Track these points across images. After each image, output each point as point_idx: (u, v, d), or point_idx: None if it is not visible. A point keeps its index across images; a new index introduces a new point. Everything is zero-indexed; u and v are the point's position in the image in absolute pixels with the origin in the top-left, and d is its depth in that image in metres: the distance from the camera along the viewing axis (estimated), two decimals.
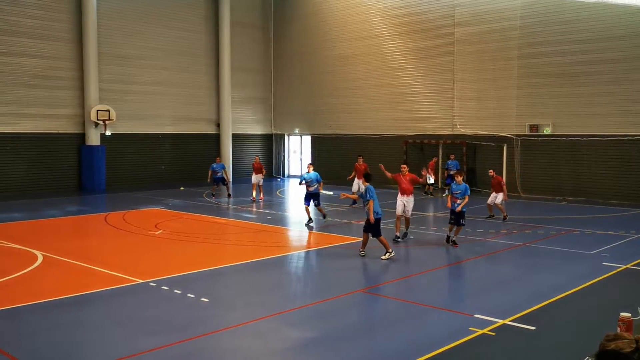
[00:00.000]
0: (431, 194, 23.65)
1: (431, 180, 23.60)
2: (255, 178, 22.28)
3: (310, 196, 16.47)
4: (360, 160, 21.09)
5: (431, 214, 19.14)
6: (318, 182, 16.51)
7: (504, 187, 17.63)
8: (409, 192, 13.91)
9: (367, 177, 12.51)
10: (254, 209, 20.02)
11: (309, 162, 22.73)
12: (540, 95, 23.22)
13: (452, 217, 13.25)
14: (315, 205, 16.52)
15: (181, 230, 15.55)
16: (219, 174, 22.45)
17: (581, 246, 13.29)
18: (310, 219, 16.37)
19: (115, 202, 21.80)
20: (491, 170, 18.17)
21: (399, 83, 27.53)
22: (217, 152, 30.51)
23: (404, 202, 13.85)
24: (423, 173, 21.79)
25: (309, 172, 16.82)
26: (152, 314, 8.50)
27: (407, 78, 27.27)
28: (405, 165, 14.71)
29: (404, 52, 27.27)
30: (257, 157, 23.69)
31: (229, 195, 22.69)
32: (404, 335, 7.63)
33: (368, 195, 11.98)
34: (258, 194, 22.20)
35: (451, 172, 23.54)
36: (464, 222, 13.32)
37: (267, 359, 6.94)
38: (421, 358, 6.68)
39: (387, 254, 11.85)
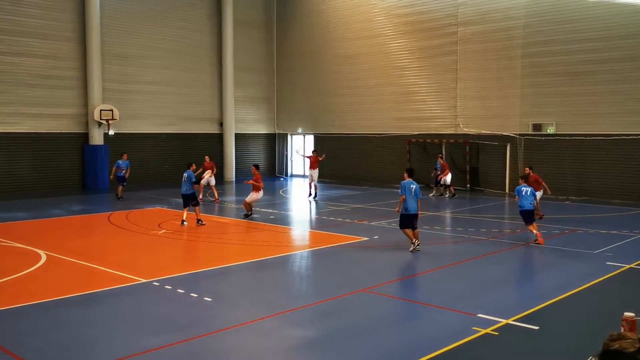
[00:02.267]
0: (451, 195, 22.79)
1: (447, 181, 22.91)
2: (206, 179, 21.76)
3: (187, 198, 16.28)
4: (314, 154, 23.58)
5: (437, 213, 19.10)
6: (191, 181, 16.33)
7: (543, 183, 16.93)
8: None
9: (409, 173, 12.97)
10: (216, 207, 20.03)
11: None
12: (544, 94, 23.17)
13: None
14: (193, 205, 16.23)
15: (184, 230, 15.56)
16: (123, 172, 21.67)
17: (584, 245, 13.27)
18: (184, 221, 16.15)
19: (119, 202, 21.83)
20: (527, 168, 17.48)
21: (402, 82, 27.51)
22: (220, 151, 30.52)
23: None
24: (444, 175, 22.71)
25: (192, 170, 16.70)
26: (156, 313, 8.52)
27: (410, 77, 27.25)
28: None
29: (408, 52, 27.25)
30: (207, 157, 22.85)
31: (120, 197, 21.59)
32: (407, 335, 7.63)
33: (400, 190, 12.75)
34: (209, 195, 21.86)
35: (438, 172, 23.42)
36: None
37: (270, 358, 6.95)
38: (424, 357, 6.68)
39: (412, 245, 12.60)
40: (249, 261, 11.90)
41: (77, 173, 25.87)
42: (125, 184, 21.91)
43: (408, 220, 12.59)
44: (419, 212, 12.66)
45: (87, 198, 23.42)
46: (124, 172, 21.78)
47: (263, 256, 12.42)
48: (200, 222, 15.90)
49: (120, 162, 21.99)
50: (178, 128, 29.13)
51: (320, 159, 23.48)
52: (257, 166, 18.07)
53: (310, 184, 22.82)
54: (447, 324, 8.01)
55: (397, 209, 12.84)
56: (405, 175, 13.01)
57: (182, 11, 29.08)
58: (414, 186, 12.59)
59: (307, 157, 24.06)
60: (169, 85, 28.63)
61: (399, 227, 12.93)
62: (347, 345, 7.22)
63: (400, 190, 12.76)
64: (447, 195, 22.98)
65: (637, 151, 21.12)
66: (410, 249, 12.59)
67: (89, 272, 10.97)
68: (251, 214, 17.47)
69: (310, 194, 22.74)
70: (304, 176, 32.18)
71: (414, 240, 12.59)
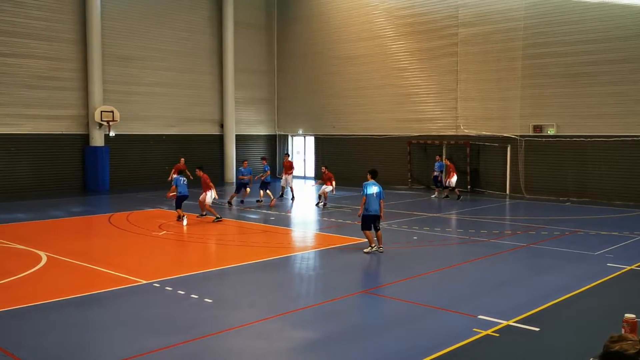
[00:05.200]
0: (457, 197, 22.42)
1: (452, 184, 22.55)
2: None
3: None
4: (287, 157, 24.22)
5: (438, 215, 19.10)
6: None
7: (333, 181, 20.42)
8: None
9: (372, 174, 12.95)
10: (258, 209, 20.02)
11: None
12: (545, 95, 23.17)
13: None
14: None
15: (185, 231, 15.56)
16: (245, 179, 20.80)
17: (585, 247, 13.26)
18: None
19: (119, 203, 21.84)
20: (323, 167, 20.05)
21: (402, 84, 27.51)
22: (221, 152, 30.51)
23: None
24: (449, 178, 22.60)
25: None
26: (156, 314, 8.52)
27: (411, 79, 27.26)
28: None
29: (408, 53, 27.26)
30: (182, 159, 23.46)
31: (241, 201, 21.27)
32: (408, 336, 7.63)
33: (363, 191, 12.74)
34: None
35: (435, 174, 23.56)
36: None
37: (271, 359, 6.95)
38: (425, 359, 6.67)
39: (369, 247, 12.55)
40: (250, 262, 11.89)
41: (78, 174, 25.87)
42: (245, 189, 20.99)
43: (369, 221, 12.57)
44: (382, 214, 12.62)
45: (87, 199, 23.43)
46: (246, 178, 20.84)
47: (264, 257, 12.41)
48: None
49: (242, 169, 21.25)
50: (179, 129, 29.14)
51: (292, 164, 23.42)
52: (201, 167, 18.02)
53: (283, 187, 23.14)
54: (447, 325, 8.01)
55: (359, 212, 12.78)
56: (369, 176, 13.01)
57: (183, 13, 29.10)
58: (377, 187, 12.61)
59: (285, 162, 23.71)
60: (170, 86, 28.65)
61: (360, 229, 12.86)
62: (348, 347, 7.21)
63: (362, 192, 12.69)
64: (457, 199, 22.30)
65: (638, 153, 21.11)
66: (365, 250, 12.52)
67: (89, 274, 10.96)
68: (205, 214, 17.51)
69: (282, 195, 23.09)
70: (304, 177, 32.22)
71: (373, 244, 12.53)
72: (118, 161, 26.52)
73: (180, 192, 16.86)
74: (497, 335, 7.46)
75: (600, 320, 8.29)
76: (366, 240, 12.73)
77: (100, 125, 25.59)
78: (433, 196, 23.36)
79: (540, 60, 23.16)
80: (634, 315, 6.13)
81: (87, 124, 25.83)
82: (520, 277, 10.97)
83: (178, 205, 16.99)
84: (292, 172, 23.22)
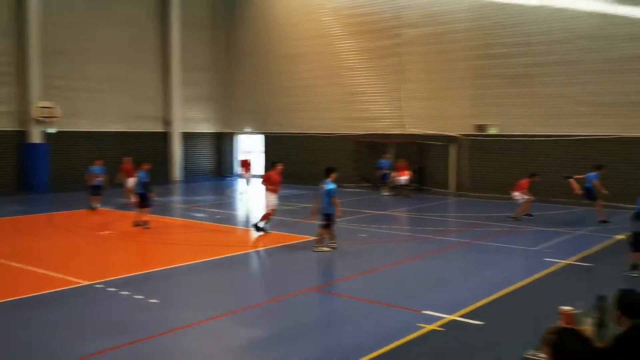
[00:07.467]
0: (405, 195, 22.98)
1: (401, 181, 23.01)
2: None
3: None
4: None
5: (385, 212, 19.33)
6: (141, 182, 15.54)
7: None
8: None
9: (325, 173, 12.96)
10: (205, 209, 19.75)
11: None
12: (488, 96, 23.76)
13: None
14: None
15: (128, 231, 15.18)
16: (99, 180, 19.04)
17: (525, 242, 13.73)
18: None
19: (60, 202, 21.09)
20: None
21: (349, 82, 27.71)
22: (165, 150, 29.93)
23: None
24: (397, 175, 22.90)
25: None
26: (99, 316, 8.28)
27: (357, 78, 27.48)
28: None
29: (355, 52, 27.48)
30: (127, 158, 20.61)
31: (94, 208, 18.76)
32: (354, 333, 7.69)
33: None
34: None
35: (384, 171, 23.88)
36: None
37: (217, 358, 6.87)
38: (370, 355, 6.75)
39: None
40: (196, 262, 11.72)
41: (13, 173, 24.78)
42: (100, 193, 19.00)
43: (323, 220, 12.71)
44: (337, 212, 12.60)
45: (24, 199, 22.52)
46: (100, 179, 18.94)
47: (210, 256, 12.26)
48: (140, 224, 15.34)
49: (93, 168, 19.09)
50: (123, 126, 28.38)
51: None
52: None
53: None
54: (393, 321, 8.12)
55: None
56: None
57: (126, 8, 28.21)
58: (325, 185, 12.70)
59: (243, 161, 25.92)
60: (113, 82, 27.83)
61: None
62: (295, 344, 7.22)
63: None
64: (407, 197, 22.67)
65: (576, 152, 21.88)
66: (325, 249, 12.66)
67: (27, 275, 10.54)
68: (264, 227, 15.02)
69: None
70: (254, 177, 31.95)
71: (332, 241, 12.71)
72: (59, 159, 25.55)
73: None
74: (443, 329, 7.63)
75: (539, 313, 8.58)
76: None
77: (39, 121, 24.61)
78: (385, 194, 23.63)
79: (483, 62, 23.75)
80: (569, 307, 6.37)
81: (25, 120, 24.80)
82: (464, 273, 11.25)
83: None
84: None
